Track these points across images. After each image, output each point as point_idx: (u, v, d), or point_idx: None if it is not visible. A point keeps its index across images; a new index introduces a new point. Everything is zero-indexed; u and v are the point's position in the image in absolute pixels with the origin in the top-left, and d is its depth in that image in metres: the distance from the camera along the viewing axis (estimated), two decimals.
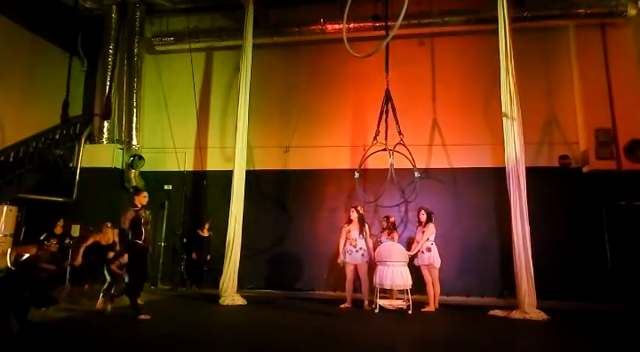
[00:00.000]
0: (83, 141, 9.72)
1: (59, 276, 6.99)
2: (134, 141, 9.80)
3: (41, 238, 7.17)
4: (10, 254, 6.39)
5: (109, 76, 9.74)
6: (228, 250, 7.44)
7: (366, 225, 7.39)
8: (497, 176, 7.45)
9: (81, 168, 9.50)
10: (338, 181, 9.12)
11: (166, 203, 9.86)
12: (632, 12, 8.29)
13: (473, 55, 9.08)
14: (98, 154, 9.69)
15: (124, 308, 6.53)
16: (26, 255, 5.95)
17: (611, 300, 7.58)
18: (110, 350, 4.41)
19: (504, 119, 6.90)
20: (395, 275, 6.57)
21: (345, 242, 7.21)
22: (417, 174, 7.46)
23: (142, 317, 5.63)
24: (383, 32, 8.06)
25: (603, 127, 8.26)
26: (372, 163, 8.42)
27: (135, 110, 9.88)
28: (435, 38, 9.35)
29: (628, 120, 8.22)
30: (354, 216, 7.26)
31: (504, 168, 6.86)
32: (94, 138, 9.87)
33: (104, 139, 9.84)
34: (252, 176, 8.85)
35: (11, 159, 8.24)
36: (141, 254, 5.81)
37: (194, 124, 9.89)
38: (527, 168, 6.73)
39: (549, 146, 8.62)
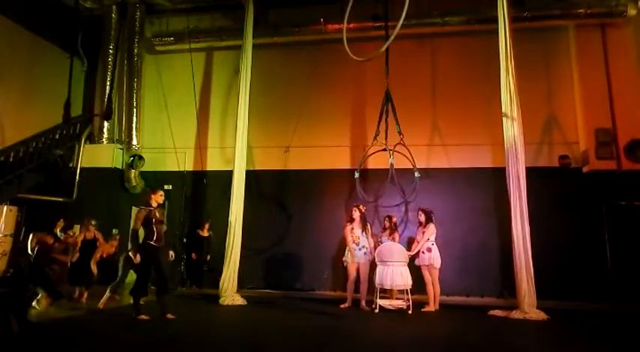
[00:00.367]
0: (83, 141, 9.72)
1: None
2: (134, 141, 9.80)
3: (57, 230, 7.20)
4: (32, 240, 6.53)
5: (109, 76, 9.76)
6: (228, 250, 7.45)
7: (368, 224, 7.39)
8: (497, 176, 7.45)
9: (81, 168, 9.49)
10: (338, 181, 9.12)
11: (166, 203, 9.83)
12: (632, 12, 8.29)
13: (473, 55, 9.08)
14: (98, 154, 9.69)
15: (124, 308, 6.55)
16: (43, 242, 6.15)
17: (611, 300, 7.58)
18: (110, 350, 4.41)
19: (504, 119, 6.91)
20: (395, 275, 6.58)
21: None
22: (417, 174, 7.46)
23: (142, 317, 5.64)
24: (383, 32, 8.05)
25: (603, 127, 8.26)
26: (372, 163, 8.43)
27: (135, 110, 9.88)
28: (435, 38, 9.35)
29: (628, 120, 8.22)
30: (356, 214, 7.26)
31: (504, 168, 6.86)
32: (94, 138, 9.87)
33: (104, 139, 9.85)
34: (252, 176, 8.85)
35: (11, 159, 8.23)
36: (152, 255, 5.72)
37: (194, 124, 9.89)
38: (527, 168, 6.72)
39: (549, 146, 8.63)
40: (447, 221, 8.12)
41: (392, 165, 7.31)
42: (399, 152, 7.48)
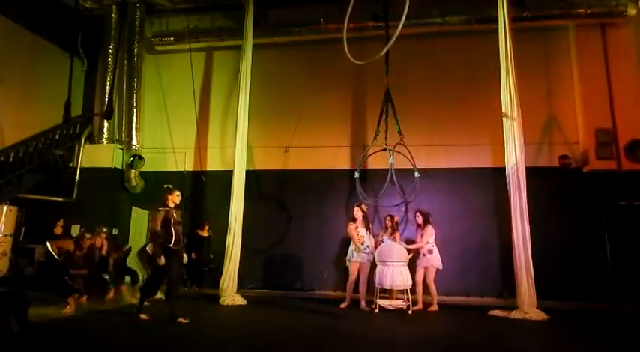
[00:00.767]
0: (83, 141, 9.71)
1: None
2: (134, 141, 9.79)
3: (75, 235, 7.23)
4: (52, 247, 6.63)
5: (109, 76, 9.75)
6: (228, 250, 7.45)
7: (370, 224, 7.40)
8: (497, 176, 7.45)
9: (81, 168, 9.48)
10: (338, 181, 9.12)
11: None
12: (632, 12, 8.29)
13: (473, 55, 9.07)
14: (98, 154, 9.68)
15: (124, 307, 6.55)
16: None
17: (611, 300, 7.58)
18: (110, 350, 4.41)
19: (504, 119, 6.91)
20: (395, 275, 6.59)
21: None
22: (417, 174, 7.45)
23: (142, 316, 5.64)
24: (383, 32, 8.05)
25: (603, 127, 8.26)
26: (372, 163, 8.43)
27: (135, 110, 9.87)
28: (435, 38, 9.34)
29: (628, 120, 8.22)
30: (358, 214, 7.26)
31: (504, 168, 6.87)
32: (94, 138, 9.86)
33: (104, 139, 9.84)
34: (252, 176, 8.84)
35: (11, 159, 8.22)
36: (170, 258, 5.55)
37: (194, 124, 9.86)
38: (527, 168, 6.73)
39: (549, 146, 8.63)
40: (446, 221, 8.13)
41: (392, 165, 7.31)
42: (399, 152, 7.47)
